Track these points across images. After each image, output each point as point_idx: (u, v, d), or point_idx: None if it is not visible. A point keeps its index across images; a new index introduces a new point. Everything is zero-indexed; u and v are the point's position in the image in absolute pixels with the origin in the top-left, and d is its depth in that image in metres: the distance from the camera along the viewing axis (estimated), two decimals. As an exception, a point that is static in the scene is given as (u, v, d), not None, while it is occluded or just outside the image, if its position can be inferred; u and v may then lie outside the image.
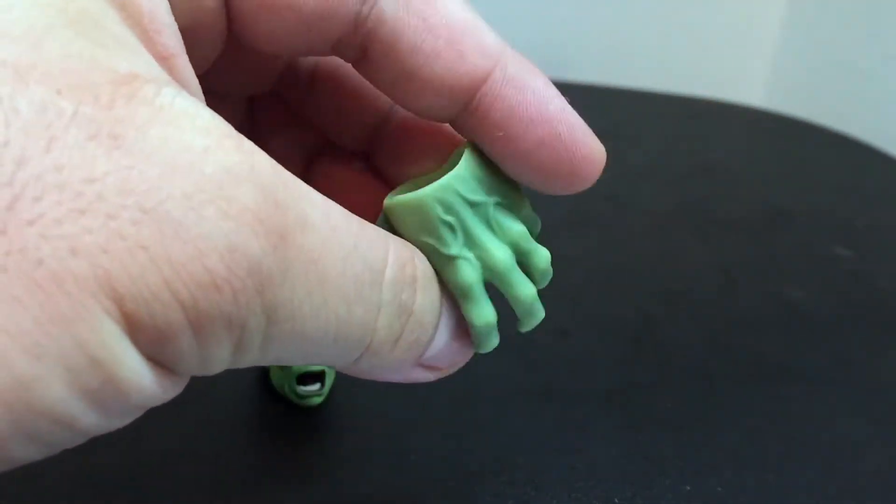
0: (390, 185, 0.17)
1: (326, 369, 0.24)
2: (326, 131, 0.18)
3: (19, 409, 0.09)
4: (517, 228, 0.15)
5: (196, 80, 0.12)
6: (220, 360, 0.11)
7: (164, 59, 0.11)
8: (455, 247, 0.14)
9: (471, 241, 0.14)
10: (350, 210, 0.13)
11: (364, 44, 0.14)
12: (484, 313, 0.14)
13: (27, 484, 0.20)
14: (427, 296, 0.14)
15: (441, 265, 0.14)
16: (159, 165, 0.10)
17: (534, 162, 0.14)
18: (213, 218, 0.10)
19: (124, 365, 0.10)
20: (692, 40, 0.62)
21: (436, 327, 0.14)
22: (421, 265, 0.14)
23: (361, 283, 0.12)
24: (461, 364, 0.15)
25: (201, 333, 0.10)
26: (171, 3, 0.12)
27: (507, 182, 0.15)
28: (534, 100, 0.14)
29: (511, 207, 0.15)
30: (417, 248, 0.14)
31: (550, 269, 0.15)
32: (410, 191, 0.14)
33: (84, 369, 0.09)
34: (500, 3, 0.58)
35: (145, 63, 0.11)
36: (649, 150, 0.47)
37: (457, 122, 0.15)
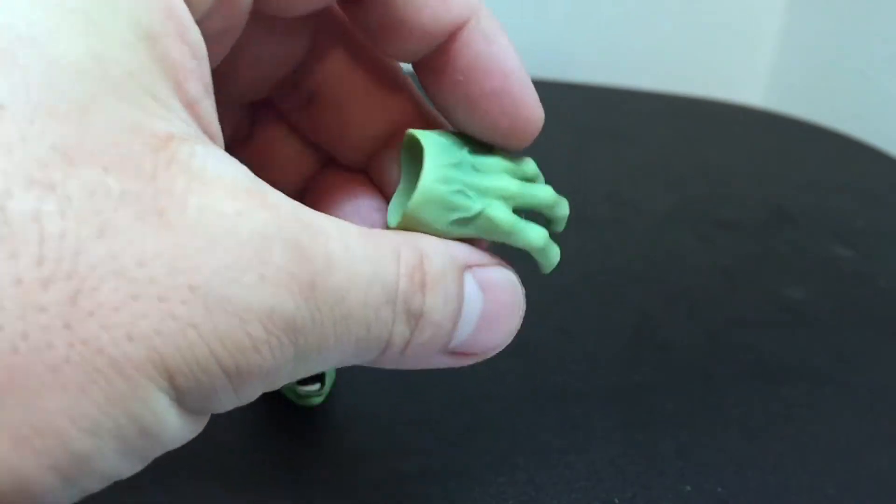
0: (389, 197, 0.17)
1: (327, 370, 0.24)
2: (326, 147, 0.18)
3: (76, 475, 0.10)
4: (493, 162, 0.15)
5: (217, 122, 0.12)
6: (251, 398, 0.12)
7: (189, 106, 0.12)
8: (476, 202, 0.14)
9: (483, 191, 0.15)
10: (357, 221, 0.13)
11: None
12: (534, 234, 0.15)
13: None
14: (436, 295, 0.14)
15: (480, 227, 0.15)
16: (201, 238, 0.10)
17: (481, 109, 0.15)
18: (253, 285, 0.11)
19: (169, 425, 0.11)
20: (692, 40, 0.62)
21: (454, 320, 0.14)
22: (430, 265, 0.14)
23: (379, 305, 0.13)
24: (498, 349, 0.15)
25: (240, 387, 0.11)
26: None
27: (462, 135, 0.15)
28: (498, 53, 0.15)
29: (482, 152, 0.15)
30: (447, 232, 0.14)
31: (553, 201, 0.16)
32: (404, 194, 0.15)
33: (134, 437, 0.10)
34: (501, 3, 0.58)
35: (178, 119, 0.11)
36: (649, 150, 0.47)
37: (420, 62, 0.15)
